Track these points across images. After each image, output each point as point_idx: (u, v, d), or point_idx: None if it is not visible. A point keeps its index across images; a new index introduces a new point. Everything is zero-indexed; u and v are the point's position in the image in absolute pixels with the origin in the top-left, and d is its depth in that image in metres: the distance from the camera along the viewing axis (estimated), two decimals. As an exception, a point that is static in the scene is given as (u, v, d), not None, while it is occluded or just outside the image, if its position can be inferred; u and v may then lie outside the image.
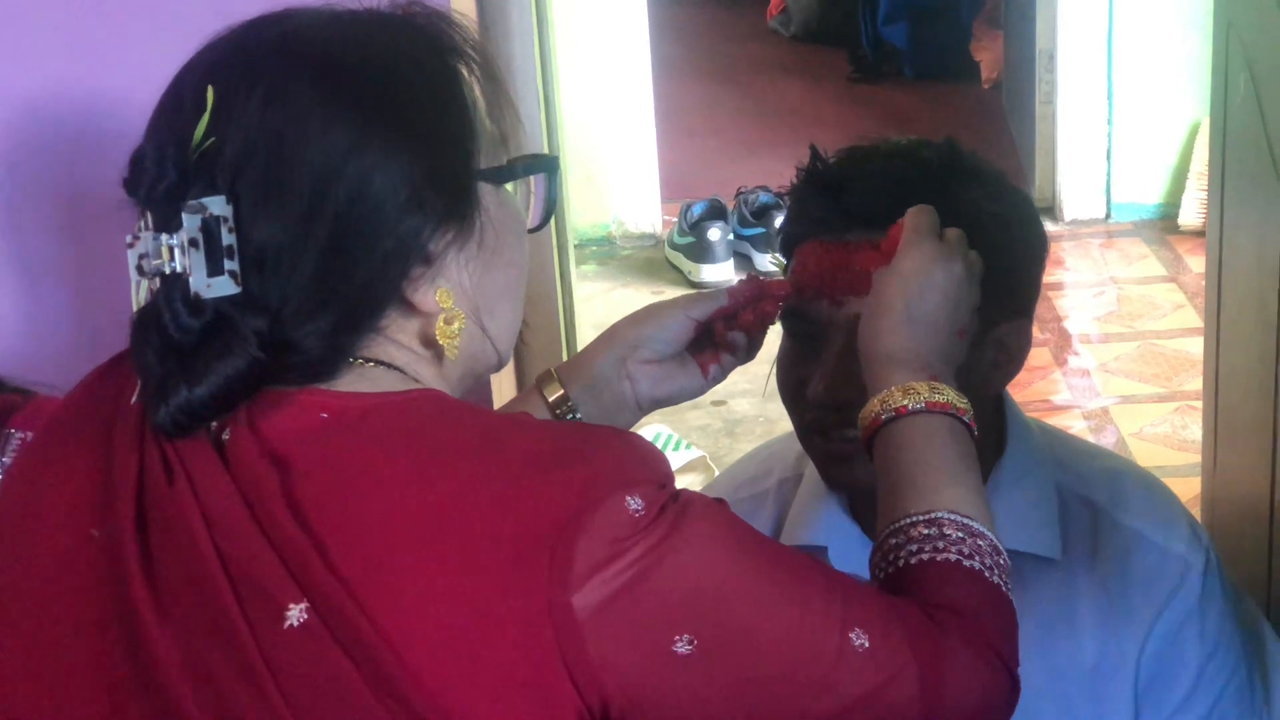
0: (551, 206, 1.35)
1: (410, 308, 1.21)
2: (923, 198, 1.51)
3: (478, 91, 1.25)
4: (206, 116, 1.15)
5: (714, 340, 1.52)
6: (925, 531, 1.27)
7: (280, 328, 1.16)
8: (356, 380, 1.19)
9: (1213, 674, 1.64)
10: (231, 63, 1.19)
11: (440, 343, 1.21)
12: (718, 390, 4.75)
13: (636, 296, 5.01)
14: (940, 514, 1.27)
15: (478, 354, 1.27)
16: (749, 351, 1.53)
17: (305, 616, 1.10)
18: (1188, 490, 3.20)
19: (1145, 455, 3.82)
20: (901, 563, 1.27)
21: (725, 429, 4.17)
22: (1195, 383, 3.94)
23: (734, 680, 1.14)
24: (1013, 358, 1.61)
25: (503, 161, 1.28)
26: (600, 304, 4.91)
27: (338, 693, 1.10)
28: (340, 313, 1.17)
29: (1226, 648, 1.65)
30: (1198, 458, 3.13)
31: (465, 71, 1.24)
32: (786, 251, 1.61)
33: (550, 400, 1.48)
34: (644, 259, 5.33)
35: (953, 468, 1.31)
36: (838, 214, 1.55)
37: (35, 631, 1.19)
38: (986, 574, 1.26)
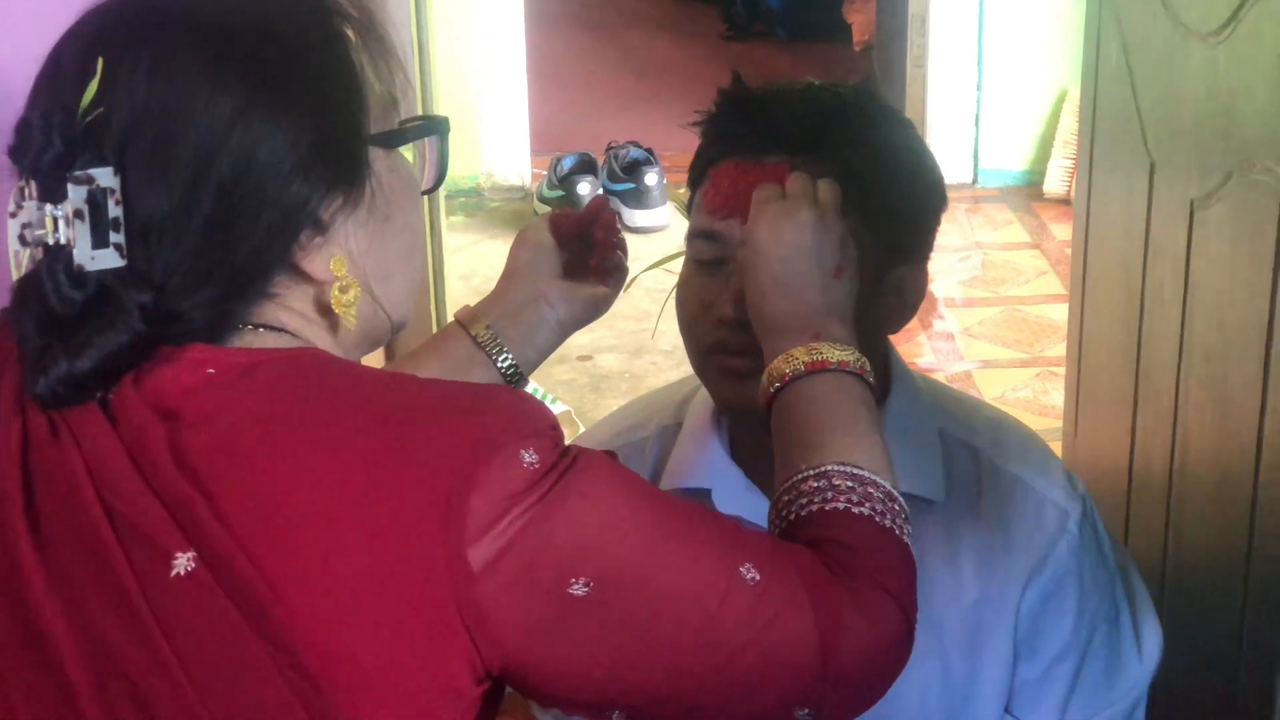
0: (444, 169, 1.34)
1: (302, 275, 1.19)
2: (841, 126, 1.57)
3: (365, 55, 1.23)
4: (94, 85, 1.13)
5: (594, 268, 1.59)
6: (815, 485, 1.28)
7: (165, 300, 1.14)
8: (248, 343, 1.18)
9: (1089, 622, 1.68)
10: (116, 31, 1.17)
11: (336, 311, 1.20)
12: (584, 345, 4.72)
13: (504, 249, 4.90)
14: (828, 466, 1.29)
15: (371, 319, 1.26)
16: (619, 270, 1.60)
17: (193, 565, 1.09)
18: (1048, 455, 3.24)
19: (1006, 419, 3.86)
20: (793, 516, 1.28)
21: (591, 384, 4.16)
22: (1056, 349, 3.99)
23: (629, 619, 1.15)
24: (907, 304, 1.64)
25: (394, 124, 1.26)
26: (468, 255, 4.88)
27: (225, 641, 1.09)
28: (226, 283, 1.16)
29: (1102, 596, 1.69)
30: (1058, 423, 3.17)
31: (352, 34, 1.23)
32: (697, 179, 1.63)
33: (473, 332, 1.53)
34: (512, 211, 5.30)
35: (840, 421, 1.33)
36: (758, 134, 1.58)
37: None
38: (877, 519, 1.27)
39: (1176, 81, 2.21)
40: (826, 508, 1.27)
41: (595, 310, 1.58)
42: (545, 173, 5.27)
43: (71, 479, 1.12)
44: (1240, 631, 1.98)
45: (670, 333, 1.65)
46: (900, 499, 1.30)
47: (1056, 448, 3.09)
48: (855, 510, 1.26)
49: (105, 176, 1.12)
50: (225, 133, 1.14)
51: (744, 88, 1.64)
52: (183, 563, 1.09)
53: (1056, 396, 3.68)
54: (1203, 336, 2.12)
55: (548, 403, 3.80)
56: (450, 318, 1.57)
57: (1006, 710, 1.69)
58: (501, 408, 1.15)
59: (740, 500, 1.64)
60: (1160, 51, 2.28)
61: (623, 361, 4.24)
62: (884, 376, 1.67)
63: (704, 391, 1.68)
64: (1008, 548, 1.66)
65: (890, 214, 1.56)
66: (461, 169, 5.30)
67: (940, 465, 1.67)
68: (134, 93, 1.13)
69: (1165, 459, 2.28)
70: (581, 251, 1.59)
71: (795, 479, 1.29)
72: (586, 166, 5.22)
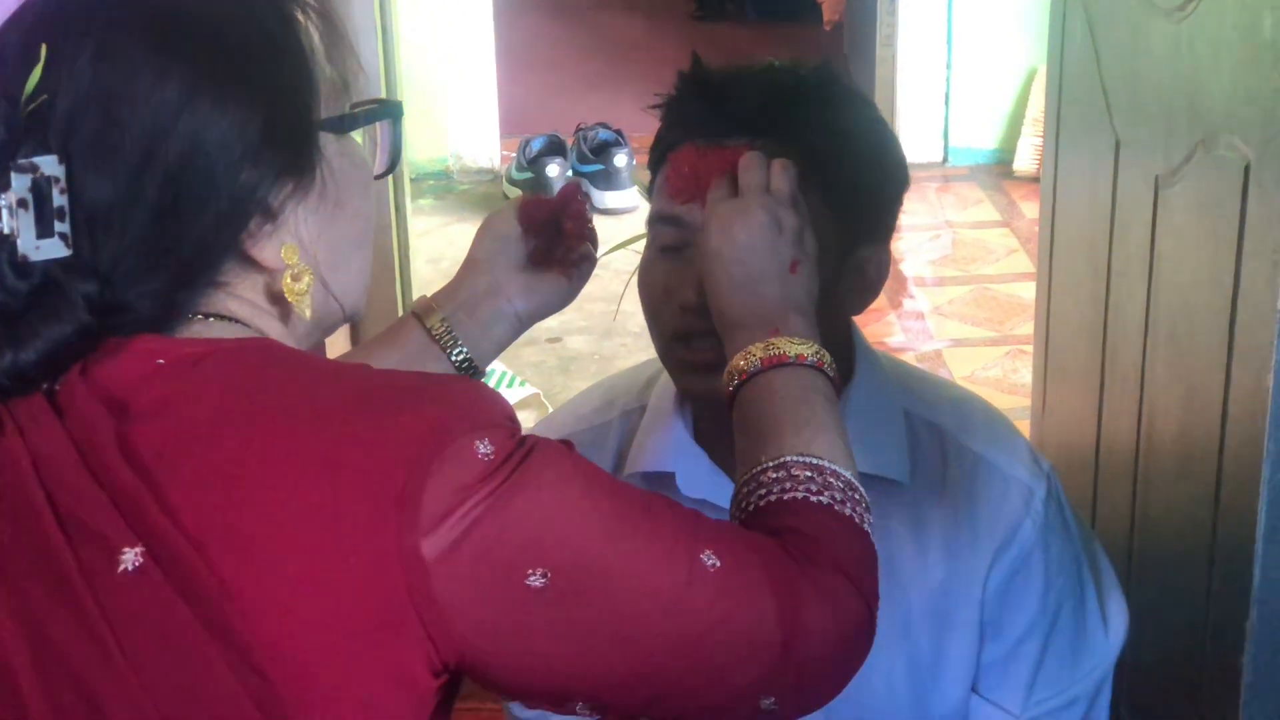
0: (397, 153, 1.32)
1: (252, 263, 1.18)
2: (801, 108, 1.56)
3: (315, 38, 1.22)
4: (38, 72, 1.12)
5: (559, 258, 1.56)
6: (774, 475, 1.28)
7: (112, 290, 1.13)
8: (197, 333, 1.17)
9: (1055, 600, 1.68)
10: (60, 16, 1.15)
11: (289, 300, 1.19)
12: (553, 328, 4.70)
13: (473, 232, 4.91)
14: (787, 457, 1.28)
15: (323, 308, 1.24)
16: (587, 261, 1.57)
17: (140, 560, 1.08)
18: (1016, 433, 3.24)
19: (976, 398, 3.87)
20: (752, 507, 1.28)
21: (560, 366, 4.16)
22: (1026, 327, 4.00)
23: (588, 610, 1.13)
24: (870, 284, 1.63)
25: (345, 109, 1.25)
26: (436, 238, 4.86)
27: (172, 636, 1.08)
28: (174, 272, 1.15)
29: (1067, 574, 1.70)
30: (1027, 401, 3.17)
31: (302, 18, 1.21)
32: (658, 162, 1.62)
33: (428, 324, 1.50)
34: (481, 194, 5.29)
35: (798, 414, 1.32)
36: (718, 117, 1.57)
37: None
38: (837, 507, 1.26)
39: (1141, 58, 2.20)
40: (785, 497, 1.26)
41: (555, 304, 1.56)
42: (514, 155, 5.26)
43: (16, 472, 1.11)
44: (1206, 608, 1.98)
45: (639, 314, 1.64)
46: (861, 489, 1.30)
47: (1025, 426, 3.10)
48: (814, 499, 1.26)
49: (50, 165, 1.11)
50: (172, 119, 1.12)
51: (703, 70, 1.62)
52: (130, 558, 1.08)
53: (1026, 375, 3.68)
54: (1168, 313, 2.13)
55: (515, 385, 3.80)
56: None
57: (974, 690, 1.70)
58: (456, 398, 1.13)
59: (704, 483, 1.64)
60: (1125, 28, 2.28)
61: (592, 343, 4.24)
62: (848, 358, 1.67)
63: (667, 374, 1.68)
64: (973, 527, 1.66)
65: (852, 195, 1.56)
66: (430, 151, 5.29)
67: (905, 446, 1.67)
68: (78, 79, 1.12)
69: (1132, 436, 2.28)
70: (551, 238, 1.56)
71: (755, 471, 1.29)
72: (555, 148, 5.21)
